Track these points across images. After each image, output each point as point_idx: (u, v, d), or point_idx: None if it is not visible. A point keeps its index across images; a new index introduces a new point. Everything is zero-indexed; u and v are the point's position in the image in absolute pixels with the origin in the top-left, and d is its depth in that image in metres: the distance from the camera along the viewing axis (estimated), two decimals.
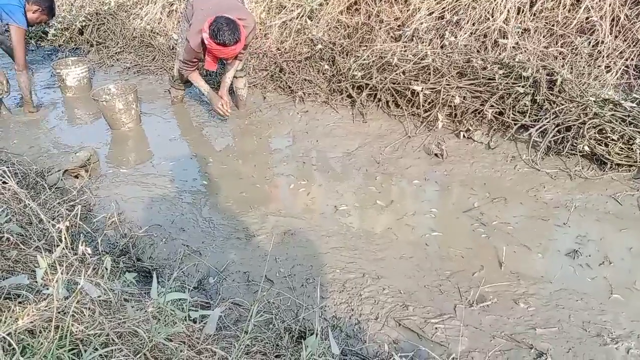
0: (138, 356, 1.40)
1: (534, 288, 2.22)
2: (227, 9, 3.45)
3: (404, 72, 3.77)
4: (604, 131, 2.99)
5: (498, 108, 3.41)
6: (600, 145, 2.98)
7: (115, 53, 5.93)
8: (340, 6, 4.68)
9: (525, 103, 3.29)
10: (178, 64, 3.94)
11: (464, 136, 3.45)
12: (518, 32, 3.84)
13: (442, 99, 3.54)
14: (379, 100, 3.91)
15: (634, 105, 3.03)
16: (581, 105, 3.11)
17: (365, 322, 2.08)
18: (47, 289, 1.57)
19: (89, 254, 1.85)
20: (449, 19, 4.10)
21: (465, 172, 3.16)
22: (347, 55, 4.28)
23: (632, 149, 2.90)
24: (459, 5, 4.13)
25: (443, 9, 4.20)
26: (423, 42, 4.07)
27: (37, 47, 6.73)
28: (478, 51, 3.87)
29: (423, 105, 3.65)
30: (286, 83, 4.42)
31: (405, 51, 3.95)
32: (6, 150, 3.61)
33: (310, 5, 4.78)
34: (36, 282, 1.63)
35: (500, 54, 3.77)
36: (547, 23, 3.82)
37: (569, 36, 3.70)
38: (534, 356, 1.89)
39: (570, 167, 3.03)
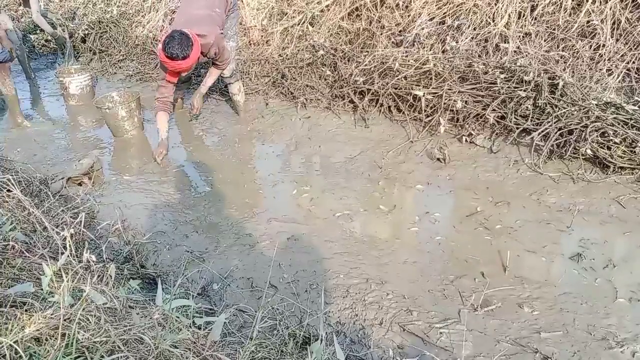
0: None
1: (538, 292, 2.21)
2: (195, 21, 3.54)
3: (405, 77, 3.77)
4: (606, 134, 2.99)
5: (500, 112, 3.41)
6: (603, 148, 2.98)
7: (118, 61, 5.97)
8: (342, 12, 4.70)
9: (527, 107, 3.29)
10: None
11: (466, 140, 3.45)
12: (519, 36, 3.85)
13: (444, 103, 3.55)
14: (381, 105, 3.91)
15: (636, 108, 3.04)
16: (583, 109, 3.12)
17: (369, 328, 2.08)
18: (53, 296, 1.57)
19: (93, 262, 1.85)
20: (450, 24, 4.12)
21: (468, 176, 3.17)
22: (348, 61, 4.29)
23: (634, 151, 2.90)
24: (460, 10, 4.14)
25: (444, 14, 4.22)
26: (424, 47, 4.08)
27: (39, 56, 6.77)
28: (479, 56, 3.88)
29: (425, 110, 3.65)
30: (288, 89, 4.44)
31: (406, 56, 3.96)
32: (10, 158, 3.62)
33: (312, 12, 4.80)
34: (42, 289, 1.64)
35: (501, 58, 3.77)
36: (548, 27, 3.83)
37: (570, 40, 3.71)
38: None
39: (573, 170, 3.03)
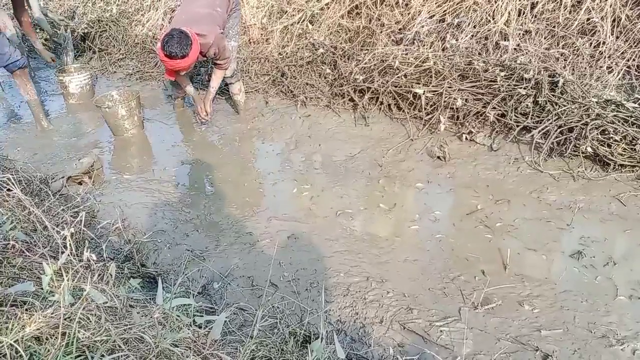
0: None
1: (539, 290, 2.21)
2: (195, 20, 3.51)
3: (405, 75, 3.77)
4: (606, 132, 2.98)
5: (500, 110, 3.41)
6: (603, 146, 2.98)
7: (118, 60, 5.96)
8: (341, 10, 4.69)
9: (527, 105, 3.29)
10: None
11: (466, 138, 3.45)
12: (519, 34, 3.84)
13: (444, 101, 3.54)
14: (381, 103, 3.91)
15: (636, 105, 3.03)
16: (583, 107, 3.11)
17: (370, 326, 2.08)
18: (53, 295, 1.58)
19: (93, 261, 1.85)
20: (450, 21, 4.11)
21: (468, 174, 3.16)
22: (348, 59, 4.29)
23: (635, 149, 2.90)
24: (459, 8, 4.14)
25: (444, 12, 4.21)
26: (424, 45, 4.07)
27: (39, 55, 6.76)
28: (479, 53, 3.87)
29: (425, 108, 3.65)
30: (288, 87, 4.43)
31: (406, 54, 3.96)
32: (10, 157, 3.62)
33: (312, 10, 4.79)
34: (42, 289, 1.64)
35: (501, 56, 3.77)
36: (548, 25, 3.82)
37: (570, 37, 3.71)
38: (540, 358, 1.89)
39: (573, 168, 3.03)
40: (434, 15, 4.25)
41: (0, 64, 3.89)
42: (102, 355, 1.37)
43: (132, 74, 5.58)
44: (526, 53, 3.68)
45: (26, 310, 1.52)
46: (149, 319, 1.57)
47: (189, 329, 1.61)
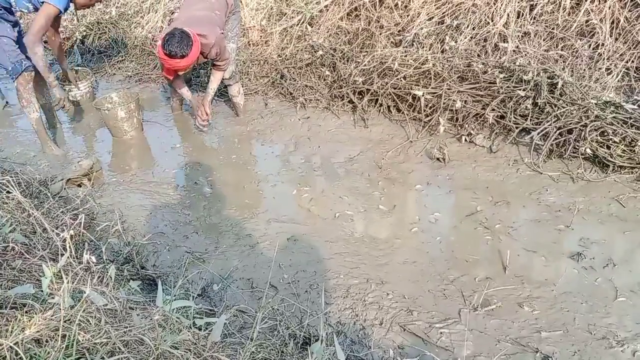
0: None
1: (538, 291, 2.21)
2: (195, 21, 3.52)
3: (404, 77, 3.78)
4: (605, 133, 2.99)
5: (499, 112, 3.41)
6: (602, 147, 2.98)
7: (117, 62, 5.96)
8: (341, 12, 4.70)
9: (526, 106, 3.30)
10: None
11: (465, 140, 3.45)
12: (518, 35, 3.85)
13: (444, 103, 3.55)
14: (380, 105, 3.91)
15: (635, 107, 3.04)
16: (582, 108, 3.12)
17: (369, 328, 2.08)
18: (53, 298, 1.57)
19: (93, 263, 1.85)
20: (449, 23, 4.12)
21: (468, 176, 3.16)
22: (347, 61, 4.30)
23: (634, 150, 2.90)
24: (458, 10, 4.15)
25: (443, 13, 4.22)
26: (423, 47, 4.08)
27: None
28: (478, 55, 3.88)
29: (424, 110, 3.66)
30: (287, 89, 4.43)
31: (405, 56, 3.97)
32: (9, 159, 3.62)
33: (311, 12, 4.80)
34: (42, 291, 1.64)
35: (500, 57, 3.78)
36: (547, 26, 3.83)
37: (569, 39, 3.72)
38: None
39: (572, 169, 3.03)
40: (432, 17, 4.26)
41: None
42: (102, 358, 1.37)
43: (131, 76, 5.57)
44: (525, 55, 3.69)
45: (26, 312, 1.52)
46: (148, 321, 1.57)
47: (188, 331, 1.61)
